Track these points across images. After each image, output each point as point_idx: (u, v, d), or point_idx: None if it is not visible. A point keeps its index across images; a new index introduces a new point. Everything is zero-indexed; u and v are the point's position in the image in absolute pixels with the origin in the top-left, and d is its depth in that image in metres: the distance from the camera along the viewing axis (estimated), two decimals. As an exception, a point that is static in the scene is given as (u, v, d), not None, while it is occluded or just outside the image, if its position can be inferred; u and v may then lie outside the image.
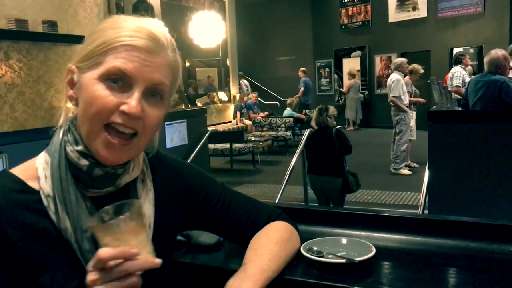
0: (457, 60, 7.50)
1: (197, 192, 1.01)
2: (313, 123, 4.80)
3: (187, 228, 0.84)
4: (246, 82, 12.94)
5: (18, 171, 0.86)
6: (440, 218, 1.26)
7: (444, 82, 7.82)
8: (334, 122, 4.82)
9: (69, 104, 0.88)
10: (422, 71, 7.29)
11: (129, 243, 0.73)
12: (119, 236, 0.73)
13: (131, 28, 0.81)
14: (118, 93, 0.80)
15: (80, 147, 0.83)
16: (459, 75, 7.16)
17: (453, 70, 7.46)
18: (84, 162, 0.83)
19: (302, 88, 12.45)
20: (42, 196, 0.82)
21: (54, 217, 0.81)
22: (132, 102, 0.79)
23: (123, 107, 0.79)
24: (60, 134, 0.86)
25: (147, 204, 0.90)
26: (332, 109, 4.78)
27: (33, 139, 2.88)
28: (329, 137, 4.63)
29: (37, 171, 0.84)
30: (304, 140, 4.70)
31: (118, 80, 0.79)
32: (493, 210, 2.93)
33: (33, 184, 0.83)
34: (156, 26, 0.84)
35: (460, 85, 7.04)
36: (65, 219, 0.81)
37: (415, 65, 7.22)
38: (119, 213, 0.75)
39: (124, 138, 0.81)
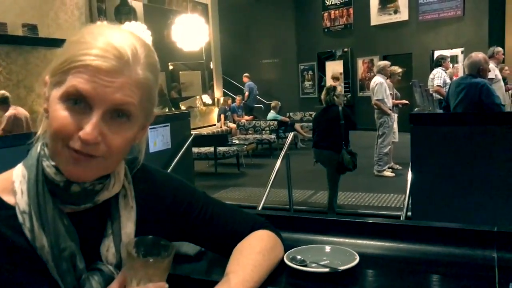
0: (438, 63, 7.65)
1: (179, 203, 0.99)
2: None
3: (169, 240, 0.82)
4: None
5: None
6: (424, 225, 1.26)
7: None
8: (341, 101, 5.25)
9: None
10: (399, 70, 7.32)
11: (153, 280, 0.76)
12: (148, 272, 0.76)
13: (98, 46, 0.76)
14: (78, 115, 0.75)
15: (55, 162, 0.80)
16: (440, 76, 7.31)
17: (434, 71, 7.60)
18: (60, 178, 0.79)
19: (246, 93, 12.56)
20: (18, 212, 0.78)
21: (29, 234, 0.77)
22: (87, 128, 0.74)
23: (80, 133, 0.75)
24: (38, 147, 0.83)
25: (127, 221, 0.88)
26: (339, 89, 5.12)
27: (13, 145, 2.83)
28: (335, 114, 5.04)
29: (13, 184, 0.80)
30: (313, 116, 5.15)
31: (79, 102, 0.75)
32: (475, 212, 2.96)
33: (7, 198, 0.80)
34: (126, 42, 0.78)
35: (441, 85, 7.17)
36: (42, 237, 0.77)
37: (392, 67, 7.26)
38: (157, 246, 0.79)
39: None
